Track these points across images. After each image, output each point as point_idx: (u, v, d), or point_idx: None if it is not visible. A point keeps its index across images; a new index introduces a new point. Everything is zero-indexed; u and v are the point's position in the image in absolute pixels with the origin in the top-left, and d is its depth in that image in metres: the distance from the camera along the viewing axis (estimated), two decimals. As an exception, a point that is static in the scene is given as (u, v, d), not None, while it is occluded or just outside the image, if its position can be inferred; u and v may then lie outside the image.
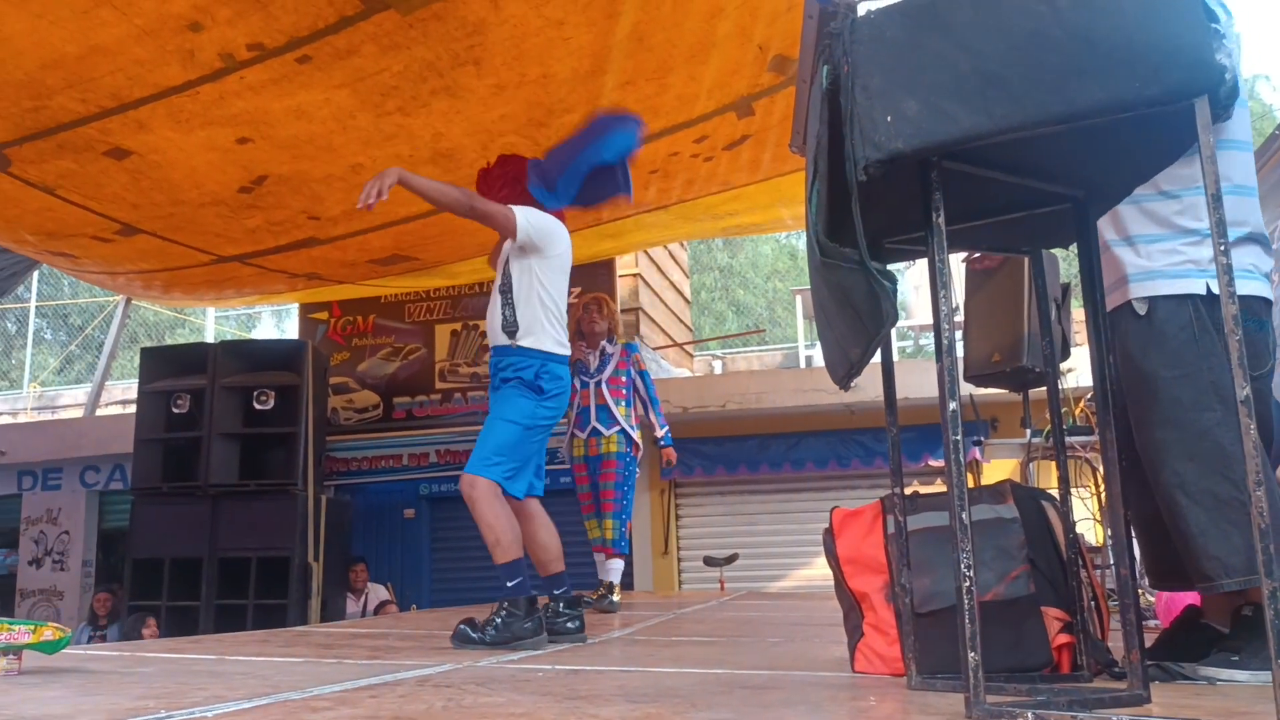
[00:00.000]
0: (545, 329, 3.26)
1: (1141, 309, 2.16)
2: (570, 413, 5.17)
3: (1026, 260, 3.53)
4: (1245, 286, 2.12)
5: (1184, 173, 2.09)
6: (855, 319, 1.69)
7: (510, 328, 3.25)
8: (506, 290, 3.28)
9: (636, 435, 5.13)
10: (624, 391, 5.11)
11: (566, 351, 3.35)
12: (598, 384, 5.10)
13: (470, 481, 3.15)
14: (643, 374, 5.22)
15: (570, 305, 5.10)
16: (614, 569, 5.05)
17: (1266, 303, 2.21)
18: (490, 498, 3.12)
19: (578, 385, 5.07)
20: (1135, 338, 2.17)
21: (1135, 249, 2.20)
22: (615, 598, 4.99)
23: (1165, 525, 2.19)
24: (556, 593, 3.34)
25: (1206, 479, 2.01)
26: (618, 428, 5.05)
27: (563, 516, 3.56)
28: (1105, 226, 2.27)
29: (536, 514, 3.36)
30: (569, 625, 3.28)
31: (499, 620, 3.00)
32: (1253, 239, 2.20)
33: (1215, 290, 2.05)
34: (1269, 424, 2.22)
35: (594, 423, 5.07)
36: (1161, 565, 2.28)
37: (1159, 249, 2.17)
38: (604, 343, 5.17)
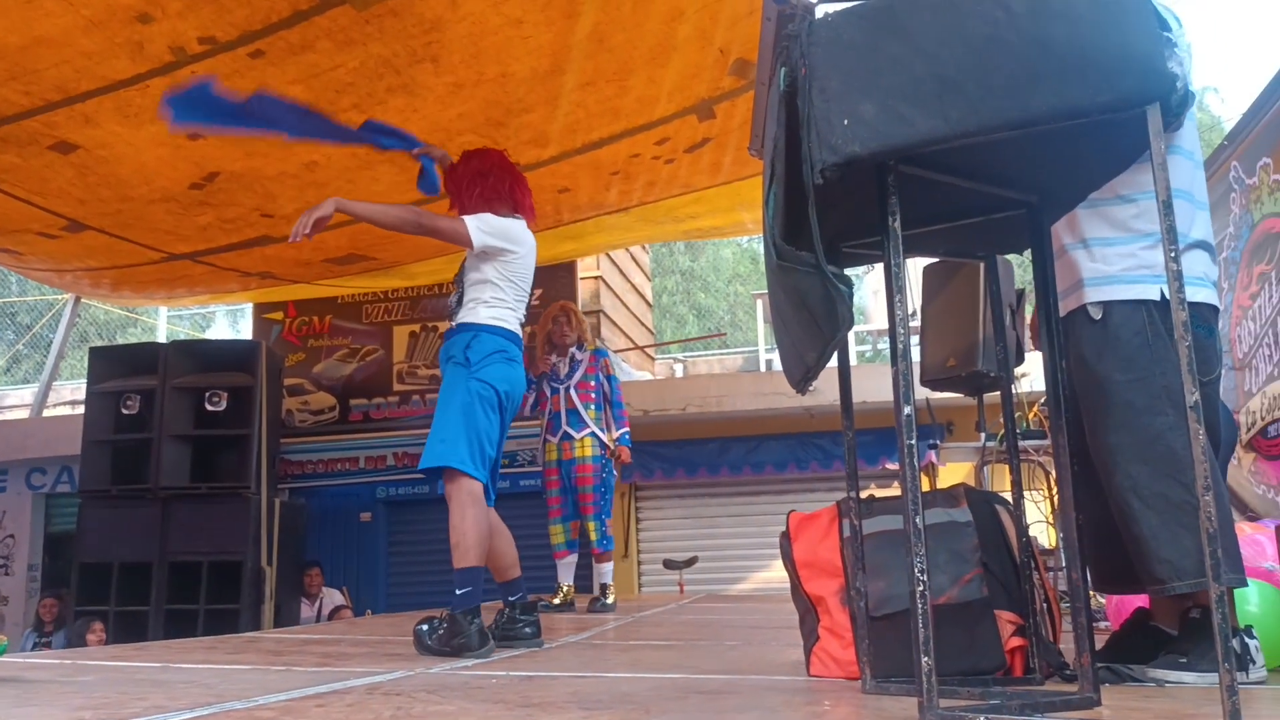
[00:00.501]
0: (482, 308, 3.19)
1: (1096, 314, 2.17)
2: (543, 419, 5.37)
3: (983, 266, 3.56)
4: (1196, 294, 2.14)
5: (1141, 178, 2.11)
6: (811, 323, 1.68)
7: (453, 314, 3.26)
8: (458, 281, 3.30)
9: (607, 438, 5.28)
10: (593, 396, 5.28)
11: (509, 327, 3.22)
12: (567, 389, 5.27)
13: (453, 479, 3.05)
14: (610, 379, 5.38)
15: (541, 314, 5.13)
16: (605, 571, 5.26)
17: (1215, 310, 2.24)
18: (469, 499, 3.03)
19: (548, 391, 5.29)
20: (1090, 342, 2.18)
21: (1091, 252, 2.21)
22: (609, 599, 5.17)
23: (1113, 529, 2.22)
24: (512, 598, 3.28)
25: (1158, 482, 2.03)
26: (588, 430, 5.22)
27: (524, 520, 3.49)
28: (1062, 230, 2.28)
29: (500, 524, 3.30)
30: (525, 630, 3.23)
31: (444, 632, 2.91)
32: (1201, 246, 2.22)
33: (1168, 295, 2.09)
34: (1216, 429, 2.26)
35: (564, 427, 5.24)
36: (1107, 568, 2.30)
37: (1115, 252, 2.19)
38: (573, 350, 5.34)
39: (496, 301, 3.21)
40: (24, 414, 11.10)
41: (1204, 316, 2.18)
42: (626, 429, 5.41)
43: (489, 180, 3.34)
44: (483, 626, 2.95)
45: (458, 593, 2.94)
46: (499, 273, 3.22)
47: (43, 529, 9.93)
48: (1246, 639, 2.06)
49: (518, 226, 3.31)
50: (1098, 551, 2.33)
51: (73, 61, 4.05)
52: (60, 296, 10.94)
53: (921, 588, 1.53)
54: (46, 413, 10.47)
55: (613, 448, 5.33)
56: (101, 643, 6.52)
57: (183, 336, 13.62)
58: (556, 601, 5.24)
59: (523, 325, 3.34)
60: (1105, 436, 2.14)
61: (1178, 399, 2.02)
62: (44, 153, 4.80)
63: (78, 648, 5.84)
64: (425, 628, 2.95)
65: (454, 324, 3.24)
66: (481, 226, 3.18)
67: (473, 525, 3.01)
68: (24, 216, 5.55)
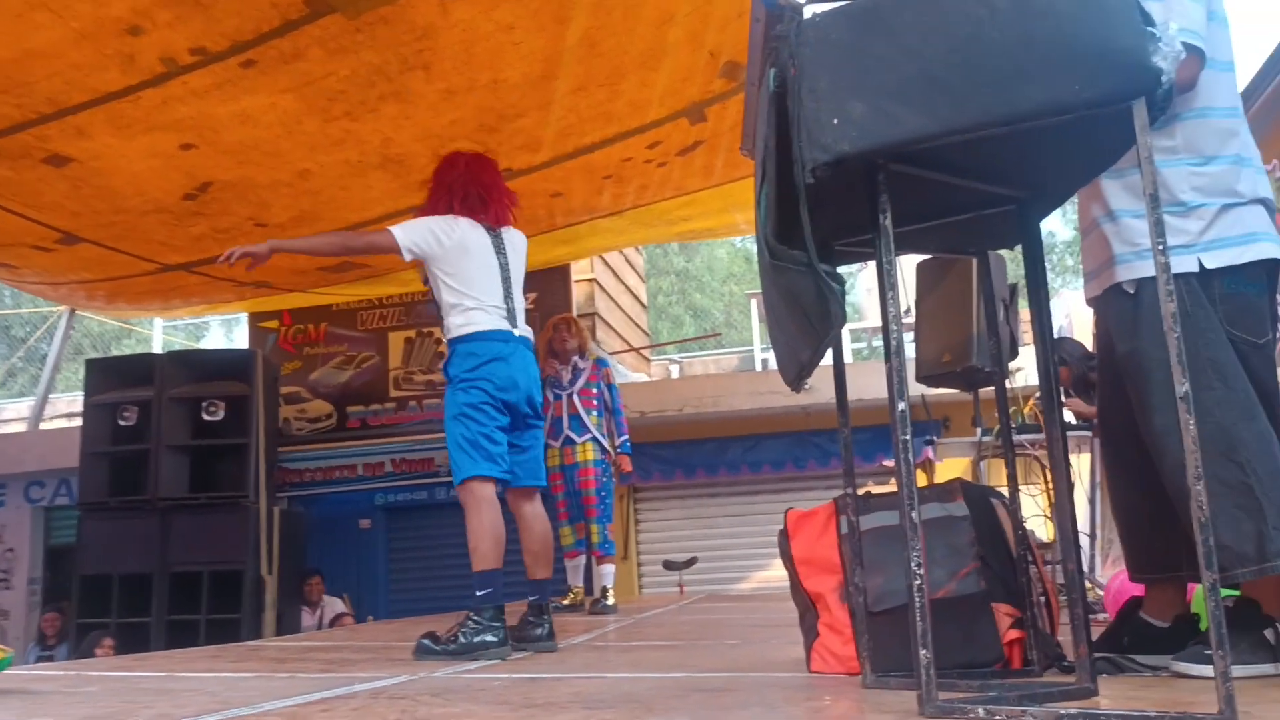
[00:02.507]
0: (454, 314, 3.24)
1: (1130, 289, 2.09)
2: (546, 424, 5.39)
3: (975, 261, 3.58)
4: (1245, 253, 2.04)
5: (1163, 143, 2.06)
6: (805, 321, 1.70)
7: (444, 333, 3.33)
8: (432, 296, 3.37)
9: (608, 443, 5.44)
10: (595, 402, 5.46)
11: (481, 326, 3.23)
12: (570, 396, 5.44)
13: (466, 487, 3.13)
14: (610, 387, 5.53)
15: (539, 319, 5.25)
16: (606, 573, 5.39)
17: (1277, 264, 2.09)
18: (479, 502, 3.09)
19: (551, 397, 5.42)
20: (1124, 319, 2.10)
21: (1119, 225, 2.14)
22: (610, 600, 5.28)
23: (1147, 516, 2.18)
24: (533, 599, 3.29)
25: (1210, 463, 1.85)
26: (589, 435, 5.38)
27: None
28: (1090, 203, 2.22)
29: (534, 519, 3.36)
30: (536, 632, 3.25)
31: (462, 632, 2.94)
32: (1256, 202, 2.09)
33: (1208, 265, 2.02)
34: (1274, 396, 2.08)
35: (566, 431, 5.41)
36: (1144, 556, 2.25)
37: (1144, 225, 2.10)
38: (575, 358, 5.50)
39: (462, 308, 3.25)
40: (21, 427, 11.09)
41: (1253, 275, 2.04)
42: (627, 437, 5.56)
43: (443, 195, 3.39)
44: (505, 629, 2.97)
45: (478, 594, 2.99)
46: (446, 280, 3.26)
47: (43, 542, 9.91)
48: None
49: (441, 223, 3.29)
50: (1133, 539, 2.28)
51: (64, 74, 4.05)
52: (55, 309, 10.93)
53: (918, 581, 1.55)
54: (43, 426, 10.46)
55: (614, 455, 5.46)
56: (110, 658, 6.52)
57: (178, 347, 13.61)
58: (566, 603, 5.37)
59: (511, 313, 3.33)
60: (1152, 418, 2.02)
61: (1225, 371, 1.96)
62: (37, 165, 4.80)
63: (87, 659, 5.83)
64: (429, 641, 2.96)
65: (445, 338, 3.33)
66: (408, 234, 3.21)
67: (488, 528, 3.06)
68: (18, 230, 5.55)
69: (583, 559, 5.50)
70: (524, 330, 3.36)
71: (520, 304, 3.41)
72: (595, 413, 5.41)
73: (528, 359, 3.33)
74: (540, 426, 3.46)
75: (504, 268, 3.37)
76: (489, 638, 2.92)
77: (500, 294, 3.32)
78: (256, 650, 3.79)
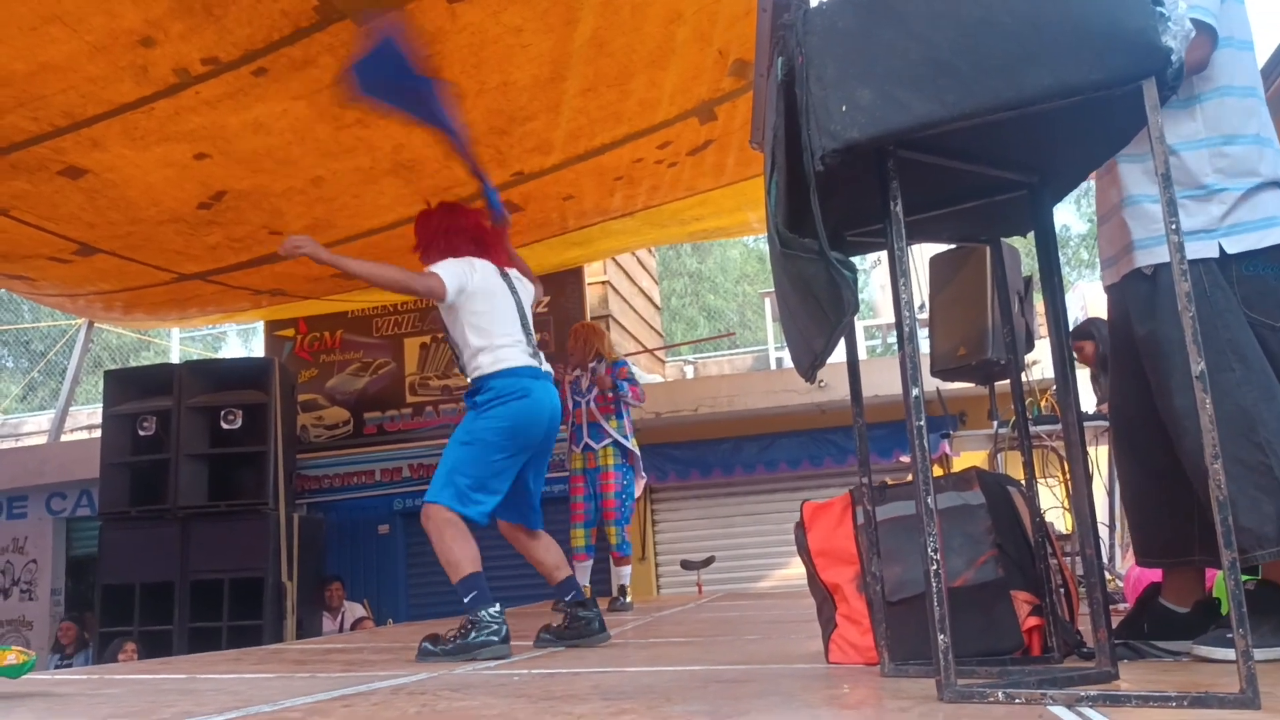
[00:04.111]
0: (482, 354, 3.26)
1: (1148, 272, 2.08)
2: (567, 429, 5.63)
3: (988, 251, 3.56)
4: (1265, 238, 2.02)
5: (1181, 127, 2.05)
6: (817, 309, 1.70)
7: (461, 369, 3.36)
8: (447, 337, 3.40)
9: (631, 444, 5.51)
10: (613, 407, 5.52)
11: (513, 363, 3.26)
12: (588, 403, 5.54)
13: (425, 513, 3.16)
14: (619, 383, 5.53)
15: (549, 320, 5.32)
16: (624, 572, 5.52)
17: None
18: (441, 525, 3.10)
19: (570, 405, 5.53)
20: (1143, 301, 2.09)
21: (1138, 210, 2.12)
22: (627, 599, 5.43)
23: (1157, 500, 2.16)
24: (568, 600, 3.32)
25: (1230, 444, 1.84)
26: (608, 440, 5.47)
27: (548, 523, 3.56)
28: (1109, 189, 2.21)
29: (538, 547, 3.41)
30: (592, 626, 3.29)
31: (461, 633, 2.97)
32: (1274, 184, 2.07)
33: (1229, 250, 2.01)
34: None
35: (586, 439, 5.54)
36: (1154, 540, 2.24)
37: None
38: (593, 364, 5.59)
39: (492, 346, 3.26)
40: (42, 439, 11.18)
41: (1272, 258, 2.02)
42: (633, 439, 5.57)
43: (449, 240, 3.40)
44: (505, 624, 2.99)
45: (465, 601, 3.03)
46: (472, 320, 3.27)
47: (64, 553, 9.99)
48: None
49: (470, 265, 3.32)
50: (1141, 522, 2.27)
51: (79, 87, 4.10)
52: (73, 322, 11.02)
53: (935, 566, 1.54)
54: (64, 438, 10.54)
55: (636, 454, 5.55)
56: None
57: (195, 357, 13.70)
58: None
59: (532, 346, 3.37)
60: (1171, 400, 2.00)
61: (1244, 352, 1.95)
62: (53, 178, 4.85)
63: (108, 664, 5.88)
64: (428, 643, 3.00)
65: (467, 376, 3.34)
66: (450, 277, 3.22)
67: (452, 542, 3.08)
68: (35, 242, 5.61)
69: (589, 562, 5.55)
70: (547, 367, 3.39)
71: (535, 342, 3.45)
72: (614, 417, 5.49)
73: (553, 395, 3.36)
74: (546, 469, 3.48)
75: (519, 307, 3.42)
76: (488, 637, 2.95)
77: (522, 332, 3.36)
78: (278, 653, 3.81)
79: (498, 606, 3.01)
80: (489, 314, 3.29)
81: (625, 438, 5.48)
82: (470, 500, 3.13)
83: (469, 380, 3.32)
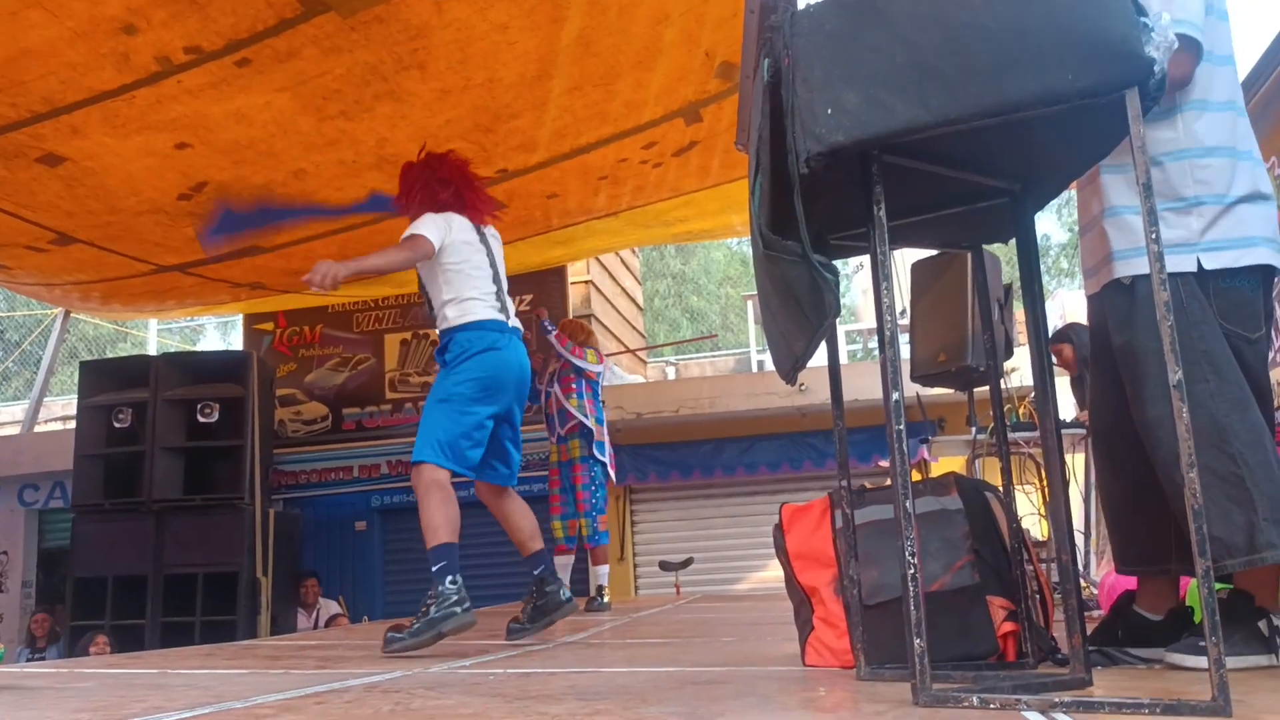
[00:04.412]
0: (449, 306, 3.29)
1: (1126, 282, 2.09)
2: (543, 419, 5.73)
3: (969, 257, 3.58)
4: (1243, 256, 2.02)
5: (1163, 134, 2.06)
6: (798, 311, 1.70)
7: (430, 319, 3.41)
8: (421, 288, 3.43)
9: (591, 423, 5.50)
10: (574, 386, 5.55)
11: (478, 316, 3.28)
12: (553, 393, 5.59)
13: (416, 473, 3.21)
14: (544, 325, 5.54)
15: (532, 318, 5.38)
16: (601, 572, 5.52)
17: (1271, 271, 2.07)
18: (430, 486, 3.14)
19: (543, 399, 5.59)
20: (1120, 311, 2.10)
21: (1119, 221, 2.12)
22: (605, 599, 5.42)
23: (1133, 508, 2.17)
24: (537, 572, 3.37)
25: (1203, 454, 1.82)
26: (573, 423, 5.49)
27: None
28: (1091, 200, 2.22)
29: (512, 509, 3.45)
30: (558, 597, 3.32)
31: (424, 613, 2.99)
32: (1249, 200, 2.06)
33: (1208, 266, 2.01)
34: (1268, 391, 2.08)
35: (557, 429, 5.57)
36: (1130, 548, 2.25)
37: (1141, 221, 2.07)
38: (549, 357, 5.62)
39: (459, 299, 3.30)
40: (15, 430, 11.06)
41: (1248, 273, 2.03)
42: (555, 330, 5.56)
43: (429, 193, 3.42)
44: (466, 597, 3.03)
45: (433, 569, 3.05)
46: (445, 273, 3.30)
47: (36, 545, 9.89)
48: (1277, 621, 1.99)
49: (452, 220, 3.34)
50: (1119, 530, 2.28)
51: (59, 73, 4.05)
52: (49, 311, 10.90)
53: (912, 570, 1.55)
54: (38, 428, 10.43)
55: (601, 432, 5.55)
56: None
57: (173, 349, 13.59)
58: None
59: (501, 301, 3.38)
60: (1145, 409, 2.01)
61: (1219, 363, 1.96)
62: (31, 165, 4.79)
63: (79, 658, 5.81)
64: (393, 633, 3.00)
65: (436, 326, 3.39)
66: (431, 233, 3.24)
67: (437, 506, 3.11)
68: (12, 230, 5.54)
69: (572, 559, 5.57)
70: (516, 322, 3.42)
71: (508, 298, 3.47)
72: (575, 396, 5.52)
73: (520, 350, 3.38)
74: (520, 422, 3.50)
75: (493, 264, 3.44)
76: (449, 609, 2.97)
77: (493, 287, 3.39)
78: (251, 649, 3.78)
79: (459, 579, 3.05)
80: (459, 268, 3.32)
81: (585, 416, 5.48)
82: (457, 452, 3.18)
83: (437, 331, 3.37)
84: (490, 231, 3.53)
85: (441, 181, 3.44)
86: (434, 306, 3.37)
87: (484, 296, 3.33)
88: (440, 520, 3.09)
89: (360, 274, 3.24)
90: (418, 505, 3.16)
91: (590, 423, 5.50)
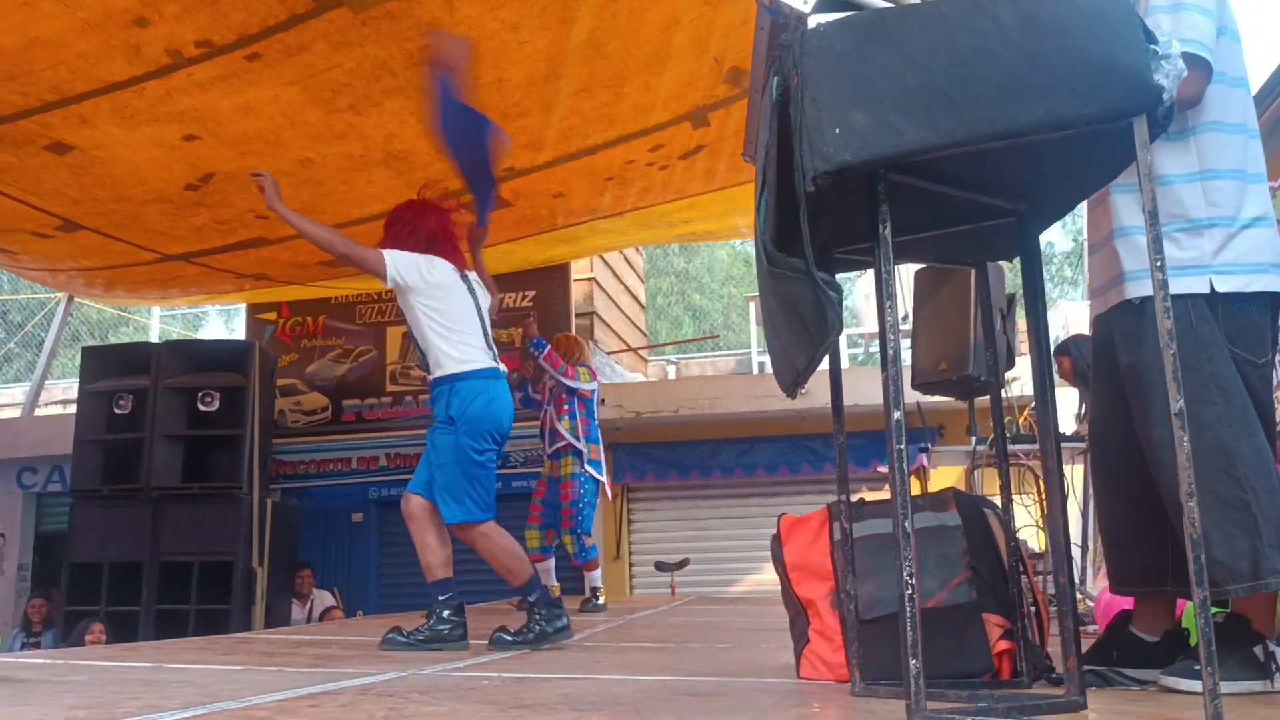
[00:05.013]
0: (448, 353, 3.38)
1: (1136, 302, 2.08)
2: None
3: (973, 271, 3.58)
4: (1253, 283, 2.02)
5: (1178, 157, 2.06)
6: (801, 328, 1.70)
7: (424, 366, 3.50)
8: (409, 332, 3.52)
9: (582, 445, 5.47)
10: (566, 406, 5.51)
11: (480, 364, 3.40)
12: (548, 411, 5.58)
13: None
14: (537, 342, 5.43)
15: (527, 318, 5.37)
16: (594, 577, 5.56)
17: (1276, 297, 2.07)
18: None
19: (540, 408, 5.62)
20: (1129, 331, 2.09)
21: (1130, 242, 2.11)
22: (600, 600, 5.47)
23: (1133, 529, 2.17)
24: (532, 600, 3.39)
25: (1207, 477, 1.85)
26: (563, 443, 5.46)
27: (506, 521, 3.62)
28: (1102, 220, 2.21)
29: (495, 533, 3.47)
30: (558, 624, 3.38)
31: (429, 625, 3.23)
32: (1257, 223, 2.06)
33: (1220, 289, 2.01)
34: (1271, 415, 2.08)
35: (548, 446, 5.57)
36: (1126, 569, 2.25)
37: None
38: (544, 377, 5.60)
39: (453, 346, 3.38)
40: (15, 413, 11.06)
41: (1257, 297, 2.04)
42: (547, 347, 5.45)
43: (408, 235, 3.49)
44: (462, 621, 3.27)
45: (440, 599, 3.30)
46: (433, 317, 3.39)
47: (33, 529, 9.89)
48: (1273, 646, 1.99)
49: (426, 260, 3.41)
50: (1116, 551, 2.28)
51: (69, 63, 4.05)
52: (53, 295, 10.91)
53: (910, 591, 1.55)
54: (38, 412, 10.44)
55: (593, 453, 5.51)
56: (101, 644, 6.50)
57: (175, 336, 13.60)
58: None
59: (490, 345, 3.48)
60: (1152, 430, 2.00)
61: (1226, 387, 1.96)
62: (39, 153, 4.80)
63: (74, 648, 5.82)
64: (394, 635, 3.23)
65: (429, 374, 3.45)
66: (397, 261, 3.35)
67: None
68: (19, 216, 5.55)
69: (550, 562, 5.57)
70: (503, 366, 3.53)
71: (492, 342, 3.56)
72: (567, 417, 5.48)
73: (507, 392, 3.50)
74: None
75: (478, 308, 3.51)
76: (453, 630, 3.24)
77: (481, 333, 3.48)
78: (245, 643, 3.79)
79: (461, 606, 3.33)
80: (448, 313, 3.41)
81: (577, 439, 5.44)
82: (490, 505, 3.37)
83: (430, 377, 3.44)
84: (474, 278, 3.59)
85: (421, 230, 3.50)
86: (426, 354, 3.44)
87: (476, 343, 3.42)
88: (437, 559, 3.37)
89: (292, 225, 3.37)
90: (410, 531, 3.36)
91: (581, 444, 5.44)
